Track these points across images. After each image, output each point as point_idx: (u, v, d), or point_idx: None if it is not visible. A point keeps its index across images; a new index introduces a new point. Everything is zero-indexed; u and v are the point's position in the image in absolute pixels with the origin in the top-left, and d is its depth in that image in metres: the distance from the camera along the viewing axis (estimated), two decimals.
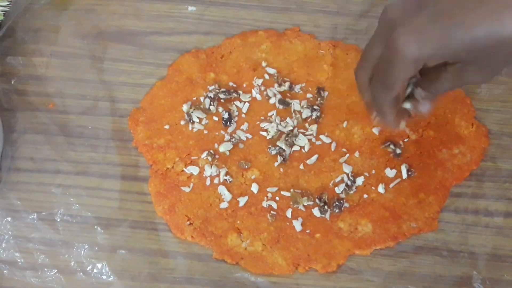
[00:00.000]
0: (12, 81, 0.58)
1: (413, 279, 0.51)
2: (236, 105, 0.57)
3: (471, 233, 0.53)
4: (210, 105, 0.57)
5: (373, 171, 0.54)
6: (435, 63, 0.39)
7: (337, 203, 0.53)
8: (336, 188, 0.54)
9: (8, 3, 0.60)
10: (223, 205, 0.53)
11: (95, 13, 0.61)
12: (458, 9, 0.36)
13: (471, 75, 0.40)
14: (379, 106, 0.43)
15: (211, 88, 0.57)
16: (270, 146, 0.55)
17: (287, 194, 0.54)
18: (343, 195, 0.53)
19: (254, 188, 0.54)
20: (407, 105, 0.45)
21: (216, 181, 0.54)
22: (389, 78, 0.40)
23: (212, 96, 0.57)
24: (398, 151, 0.55)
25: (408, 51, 0.37)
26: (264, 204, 0.53)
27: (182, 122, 0.56)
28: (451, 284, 0.51)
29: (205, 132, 0.56)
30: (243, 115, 0.57)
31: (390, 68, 0.39)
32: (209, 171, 0.55)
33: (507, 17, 0.35)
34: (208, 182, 0.54)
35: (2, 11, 0.59)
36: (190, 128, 0.56)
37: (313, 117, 0.56)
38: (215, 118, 0.57)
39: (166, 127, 0.56)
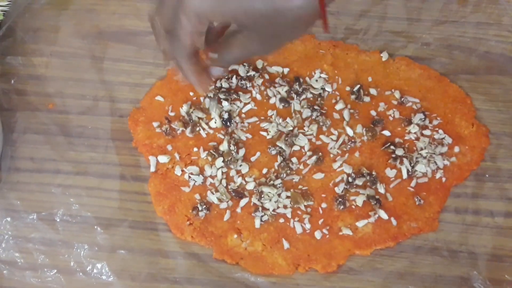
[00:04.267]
0: (12, 81, 0.58)
1: (413, 279, 0.51)
2: (236, 105, 0.57)
3: (472, 233, 0.53)
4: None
5: (374, 172, 0.54)
6: (220, 20, 0.41)
7: (340, 199, 0.53)
8: (336, 188, 0.54)
9: (8, 3, 0.60)
10: (223, 205, 0.53)
11: (95, 13, 0.61)
12: None
13: (255, 44, 0.41)
14: (175, 58, 0.44)
15: (211, 88, 0.57)
16: (270, 146, 0.55)
17: (287, 194, 0.53)
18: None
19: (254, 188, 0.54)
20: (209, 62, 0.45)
21: (216, 181, 0.54)
22: (177, 29, 0.41)
23: (212, 96, 0.57)
24: (398, 151, 0.54)
25: (188, 3, 0.39)
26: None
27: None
28: (452, 284, 0.51)
29: (205, 132, 0.56)
30: (243, 115, 0.57)
31: (177, 19, 0.40)
32: (209, 171, 0.54)
33: None
34: (208, 182, 0.54)
35: (2, 11, 0.59)
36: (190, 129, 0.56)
37: (313, 117, 0.56)
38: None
39: (166, 127, 0.56)
